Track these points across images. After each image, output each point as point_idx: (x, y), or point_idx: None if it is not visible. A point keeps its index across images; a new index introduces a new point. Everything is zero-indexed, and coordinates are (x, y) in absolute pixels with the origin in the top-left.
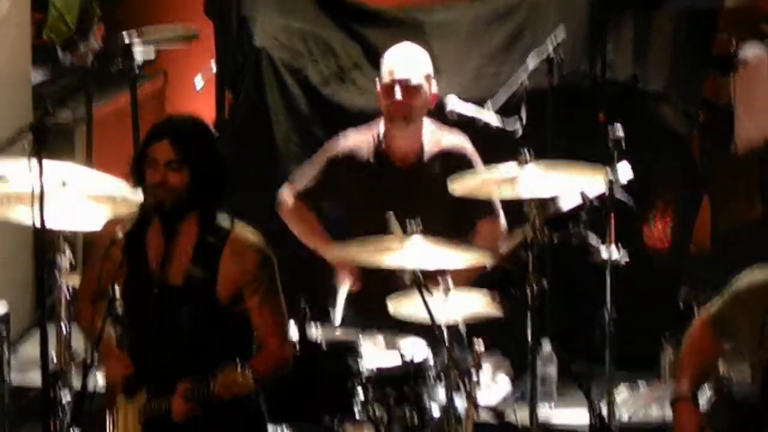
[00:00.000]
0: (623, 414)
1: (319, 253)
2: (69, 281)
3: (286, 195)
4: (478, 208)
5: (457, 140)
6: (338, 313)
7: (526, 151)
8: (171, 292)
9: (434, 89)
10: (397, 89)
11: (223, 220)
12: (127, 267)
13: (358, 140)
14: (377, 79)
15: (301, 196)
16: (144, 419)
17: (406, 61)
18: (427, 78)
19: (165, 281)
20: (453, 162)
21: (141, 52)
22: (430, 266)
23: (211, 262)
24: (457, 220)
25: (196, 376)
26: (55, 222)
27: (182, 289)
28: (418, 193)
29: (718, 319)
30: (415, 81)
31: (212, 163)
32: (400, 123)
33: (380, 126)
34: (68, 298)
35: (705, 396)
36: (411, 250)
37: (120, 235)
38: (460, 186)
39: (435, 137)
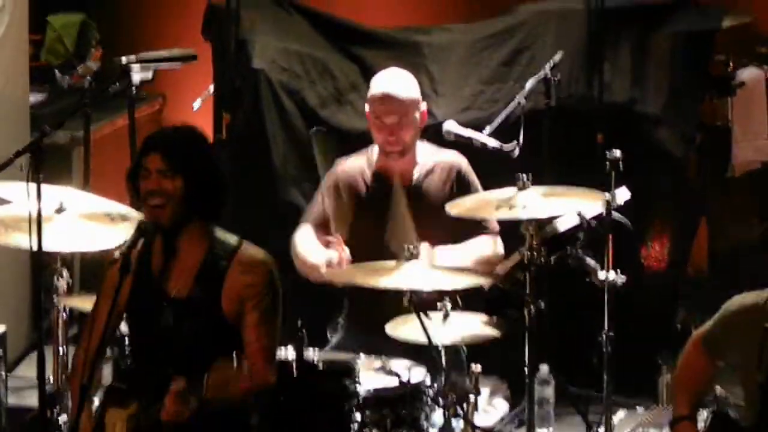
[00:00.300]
0: None
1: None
2: (66, 303)
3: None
4: (476, 227)
5: (452, 156)
6: None
7: (524, 175)
8: (173, 305)
9: (423, 107)
10: (386, 129)
11: (232, 238)
12: (131, 282)
13: (354, 164)
14: (366, 104)
15: (314, 225)
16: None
17: (390, 100)
18: (416, 106)
19: (167, 295)
20: (449, 178)
21: (139, 74)
22: (427, 288)
23: (216, 277)
24: (452, 240)
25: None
26: (52, 244)
27: (185, 302)
28: (416, 211)
29: (710, 341)
30: (402, 119)
31: (206, 170)
32: (396, 156)
33: (375, 148)
34: (65, 319)
35: (702, 417)
36: (408, 273)
37: (117, 254)
38: (457, 207)
39: (430, 156)
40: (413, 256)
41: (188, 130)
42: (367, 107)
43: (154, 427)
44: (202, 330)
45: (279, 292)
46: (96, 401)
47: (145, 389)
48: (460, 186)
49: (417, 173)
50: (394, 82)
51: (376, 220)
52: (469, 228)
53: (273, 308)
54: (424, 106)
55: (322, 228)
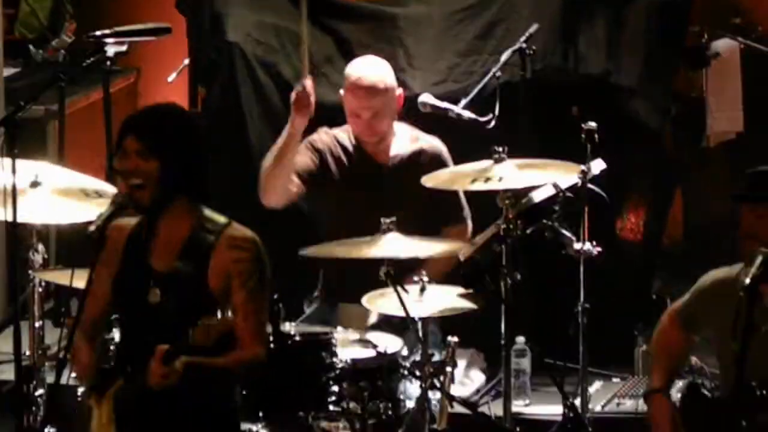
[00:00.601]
0: (596, 406)
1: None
2: (42, 277)
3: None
4: (448, 213)
5: (433, 142)
6: None
7: (500, 148)
8: (159, 281)
9: (398, 92)
10: (361, 121)
11: (220, 217)
12: (121, 262)
13: (338, 133)
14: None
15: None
16: (117, 405)
17: (365, 93)
18: (390, 95)
19: (153, 270)
20: (427, 162)
21: (113, 48)
22: (405, 255)
23: (202, 252)
24: (428, 221)
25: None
26: (28, 217)
27: (170, 277)
28: (392, 190)
29: (685, 315)
30: (377, 111)
31: (183, 150)
32: (372, 142)
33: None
34: (41, 293)
35: (677, 388)
36: (385, 245)
37: (91, 228)
38: (433, 179)
39: (411, 138)
40: (390, 229)
41: (166, 109)
42: (342, 91)
43: (140, 398)
44: (188, 305)
45: (266, 269)
46: None
47: (130, 365)
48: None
49: (394, 156)
50: (369, 73)
51: (358, 193)
52: (442, 215)
53: (261, 285)
54: (399, 91)
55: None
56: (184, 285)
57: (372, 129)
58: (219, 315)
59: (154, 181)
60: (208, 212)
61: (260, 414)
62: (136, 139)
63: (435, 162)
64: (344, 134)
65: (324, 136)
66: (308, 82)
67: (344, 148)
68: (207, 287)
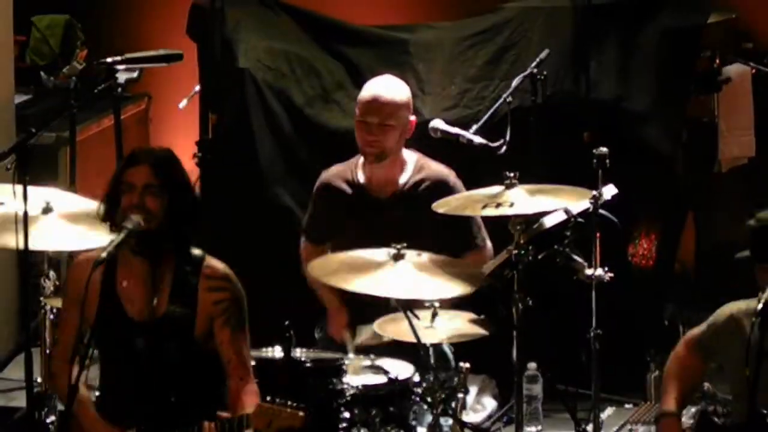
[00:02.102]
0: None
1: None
2: (53, 304)
3: (301, 245)
4: (463, 240)
5: (440, 170)
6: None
7: (511, 173)
8: (144, 327)
9: (411, 117)
10: (367, 129)
11: (195, 252)
12: (100, 304)
13: (337, 171)
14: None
15: (304, 235)
16: None
17: (376, 101)
18: (401, 113)
19: (143, 318)
20: (434, 191)
21: (124, 74)
22: (417, 296)
23: (189, 296)
24: (437, 251)
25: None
26: (40, 245)
27: (160, 325)
28: (396, 223)
29: (701, 344)
30: (385, 121)
31: (189, 194)
32: (372, 159)
33: (359, 157)
34: (52, 320)
35: (688, 415)
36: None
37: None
38: (444, 206)
39: (417, 168)
40: (400, 257)
41: (171, 151)
42: (356, 113)
43: None
44: (178, 351)
45: (244, 302)
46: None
47: (138, 416)
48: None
49: (403, 183)
50: (382, 86)
51: (360, 230)
52: (458, 242)
53: (242, 320)
54: (412, 117)
55: (310, 235)
56: (172, 330)
57: (375, 136)
58: (283, 407)
59: (156, 221)
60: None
61: None
62: (150, 171)
63: (437, 191)
64: (346, 169)
65: (320, 188)
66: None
67: (339, 190)
68: (193, 330)
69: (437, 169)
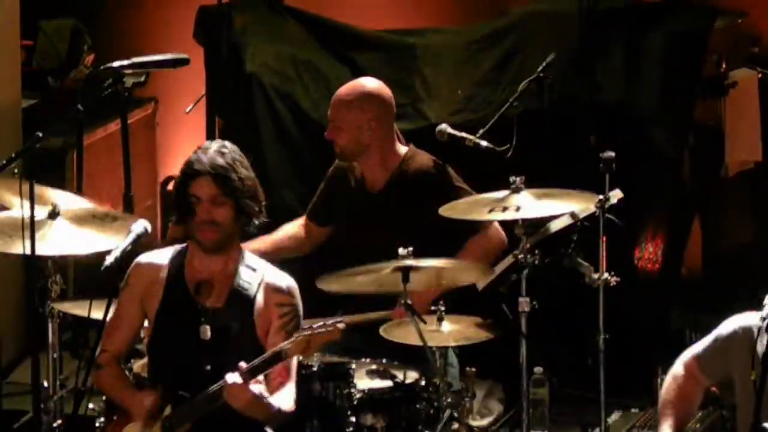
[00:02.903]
0: None
1: None
2: (60, 308)
3: (301, 222)
4: (467, 225)
5: (423, 161)
6: None
7: (517, 178)
8: (213, 314)
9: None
10: (331, 126)
11: (258, 259)
12: (166, 295)
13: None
14: None
15: (310, 214)
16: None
17: (332, 100)
18: (350, 112)
19: (204, 307)
20: (418, 183)
21: (131, 78)
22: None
23: (249, 291)
24: (426, 245)
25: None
26: (46, 250)
27: (223, 310)
28: (386, 218)
29: (704, 361)
30: (333, 121)
31: (254, 191)
32: (339, 157)
33: None
34: (59, 324)
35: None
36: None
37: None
38: (449, 210)
39: (405, 161)
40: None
41: (229, 149)
42: None
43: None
44: (239, 339)
45: (301, 316)
46: None
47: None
48: (430, 188)
49: (390, 177)
50: (345, 86)
51: (354, 223)
52: (463, 229)
53: (297, 327)
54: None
55: (314, 216)
56: (234, 321)
57: (332, 140)
58: (318, 327)
59: (226, 228)
60: (248, 254)
61: None
62: (212, 182)
63: (422, 183)
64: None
65: (333, 172)
66: None
67: (347, 180)
68: (254, 327)
69: (422, 160)
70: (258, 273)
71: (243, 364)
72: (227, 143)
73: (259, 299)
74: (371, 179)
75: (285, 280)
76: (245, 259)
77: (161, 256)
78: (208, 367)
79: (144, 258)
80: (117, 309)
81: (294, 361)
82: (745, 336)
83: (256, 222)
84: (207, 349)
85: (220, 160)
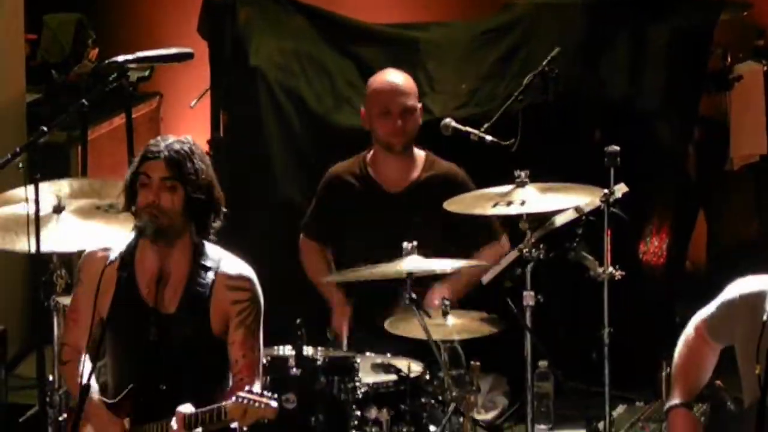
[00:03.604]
0: (620, 429)
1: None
2: (64, 301)
3: (300, 239)
4: (478, 234)
5: (451, 167)
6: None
7: (522, 173)
8: (163, 319)
9: (420, 109)
10: (392, 118)
11: (214, 250)
12: (117, 292)
13: (344, 166)
14: (362, 107)
15: (304, 231)
16: None
17: (397, 88)
18: (416, 97)
19: (158, 308)
20: (446, 187)
21: (135, 73)
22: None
23: (203, 291)
24: (446, 248)
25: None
26: (52, 246)
27: (175, 317)
28: (406, 218)
29: (712, 325)
30: (408, 103)
31: (208, 186)
32: (401, 149)
33: (368, 153)
34: (64, 317)
35: (702, 409)
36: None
37: (113, 257)
38: (455, 204)
39: (428, 164)
40: (411, 252)
41: (190, 142)
42: (364, 108)
43: None
44: (192, 344)
45: (261, 305)
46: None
47: (134, 405)
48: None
49: (416, 177)
50: (393, 75)
51: (367, 224)
52: (473, 238)
53: (257, 322)
54: (419, 110)
55: (311, 232)
56: (185, 324)
57: (402, 128)
58: (258, 398)
59: (173, 216)
60: (205, 246)
61: None
62: (165, 164)
63: (449, 186)
64: (354, 165)
65: (327, 183)
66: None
67: (347, 184)
68: (209, 325)
69: (448, 165)
70: (212, 271)
71: (183, 410)
72: (190, 138)
73: (215, 298)
74: (392, 178)
75: (241, 271)
76: (200, 257)
77: (112, 251)
78: (162, 372)
79: (94, 253)
80: (73, 303)
81: (259, 359)
82: (744, 304)
83: (212, 227)
84: (160, 353)
85: (177, 146)
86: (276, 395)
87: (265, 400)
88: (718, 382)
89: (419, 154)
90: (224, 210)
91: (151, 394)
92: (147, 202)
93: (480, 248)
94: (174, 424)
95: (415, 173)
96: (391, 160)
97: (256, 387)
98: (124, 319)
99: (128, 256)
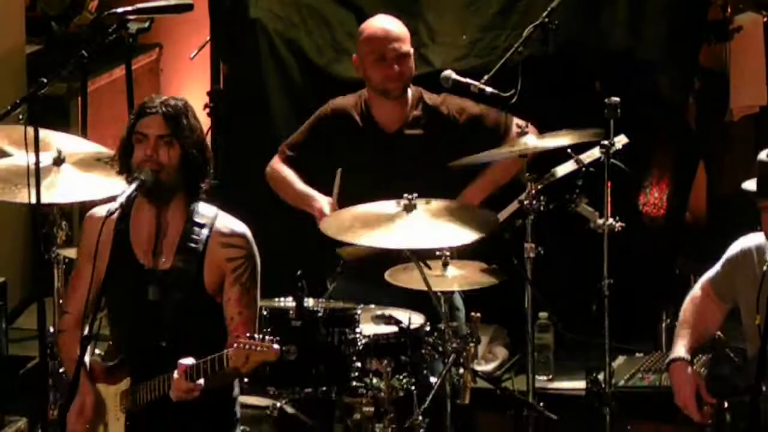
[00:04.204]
0: (620, 380)
1: (304, 207)
2: (65, 254)
3: (273, 160)
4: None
5: (435, 100)
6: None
7: (523, 123)
8: (158, 277)
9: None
10: (388, 63)
11: (208, 208)
12: (113, 252)
13: (348, 103)
14: (354, 55)
15: (287, 149)
16: (129, 406)
17: (390, 33)
18: (410, 44)
19: (152, 266)
20: (433, 122)
21: (135, 24)
22: (429, 245)
23: (197, 249)
24: (444, 183)
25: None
26: (51, 198)
27: (170, 274)
28: (402, 157)
29: (717, 284)
30: (402, 48)
31: (201, 143)
32: (399, 93)
33: (365, 92)
34: (64, 270)
35: (703, 360)
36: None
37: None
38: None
39: (416, 100)
40: (413, 207)
41: (186, 102)
42: (356, 54)
43: (152, 403)
44: (188, 301)
45: (257, 262)
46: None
47: (134, 363)
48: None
49: (406, 120)
50: (389, 21)
51: (363, 162)
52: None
53: (253, 278)
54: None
55: (298, 161)
56: (181, 281)
57: (400, 67)
58: (259, 342)
59: (169, 171)
60: (198, 205)
61: (284, 389)
62: (162, 120)
63: (437, 121)
64: (356, 101)
65: (330, 112)
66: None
67: (351, 120)
68: (203, 285)
69: (432, 99)
70: (206, 228)
71: (185, 362)
72: (184, 99)
73: (209, 255)
74: (388, 119)
75: (235, 229)
76: (194, 214)
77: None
78: (160, 329)
79: (93, 212)
80: (76, 268)
81: (255, 316)
82: (745, 258)
83: (202, 185)
84: (157, 311)
85: (172, 102)
86: (277, 338)
87: (266, 343)
88: (718, 333)
89: (410, 91)
90: (212, 171)
91: (151, 352)
92: (144, 156)
93: (503, 142)
94: (176, 375)
95: (408, 111)
96: (386, 102)
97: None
98: (121, 279)
99: (127, 210)
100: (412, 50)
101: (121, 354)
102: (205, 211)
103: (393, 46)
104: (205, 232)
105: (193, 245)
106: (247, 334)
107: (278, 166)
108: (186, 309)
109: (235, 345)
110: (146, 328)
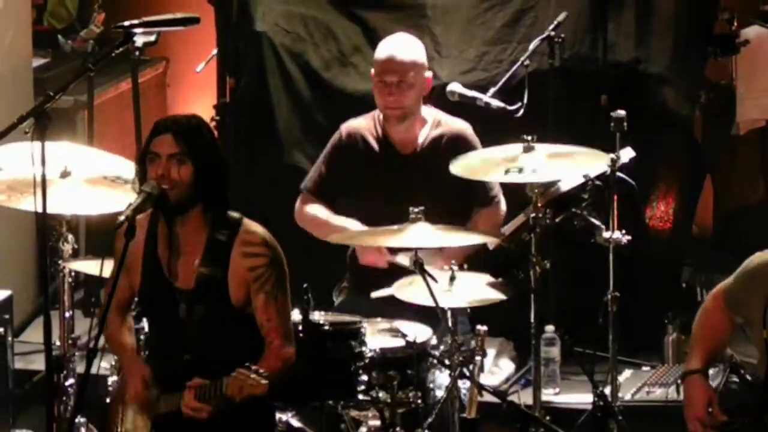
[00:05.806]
0: (626, 394)
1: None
2: (71, 267)
3: (299, 201)
4: (478, 195)
5: (457, 124)
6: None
7: (529, 137)
8: (183, 294)
9: (428, 74)
10: (387, 89)
11: (231, 218)
12: (141, 271)
13: (361, 126)
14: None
15: (309, 191)
16: (154, 415)
17: (393, 60)
18: (419, 70)
19: (177, 286)
20: (452, 146)
21: (142, 38)
22: (432, 245)
23: (221, 261)
24: (457, 207)
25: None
26: (58, 208)
27: (194, 290)
28: (417, 179)
29: (730, 296)
30: (403, 78)
31: (215, 159)
32: (395, 121)
33: (379, 112)
34: (71, 283)
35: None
36: (413, 234)
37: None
38: (461, 167)
39: (435, 123)
40: (417, 219)
41: (198, 118)
42: (372, 72)
43: (173, 415)
44: (212, 316)
45: (283, 267)
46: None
47: (162, 376)
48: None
49: (423, 140)
50: (397, 45)
51: (382, 185)
52: (472, 197)
53: (279, 285)
54: (429, 74)
55: (323, 195)
56: (205, 296)
57: (395, 96)
58: (253, 374)
59: (182, 189)
60: (221, 216)
61: (290, 403)
62: (173, 140)
63: (456, 145)
64: (370, 123)
65: (345, 138)
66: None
67: (367, 142)
68: (228, 298)
69: (454, 123)
70: (228, 239)
71: (195, 381)
72: (198, 116)
73: (232, 268)
74: (400, 141)
75: (256, 237)
76: (215, 227)
77: (139, 228)
78: (186, 344)
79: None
80: (111, 274)
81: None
82: (762, 275)
83: (222, 197)
84: (182, 327)
85: (184, 120)
86: (267, 373)
87: (255, 377)
88: (729, 350)
89: (427, 113)
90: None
91: (176, 366)
92: (155, 175)
93: (477, 209)
94: (185, 393)
95: (423, 135)
96: (399, 124)
97: (281, 354)
98: (152, 297)
99: (152, 233)
100: (427, 75)
101: (150, 362)
102: (228, 221)
103: (391, 76)
104: (227, 243)
105: (216, 259)
106: (246, 364)
107: (305, 208)
108: (211, 324)
109: (233, 374)
110: (172, 342)
